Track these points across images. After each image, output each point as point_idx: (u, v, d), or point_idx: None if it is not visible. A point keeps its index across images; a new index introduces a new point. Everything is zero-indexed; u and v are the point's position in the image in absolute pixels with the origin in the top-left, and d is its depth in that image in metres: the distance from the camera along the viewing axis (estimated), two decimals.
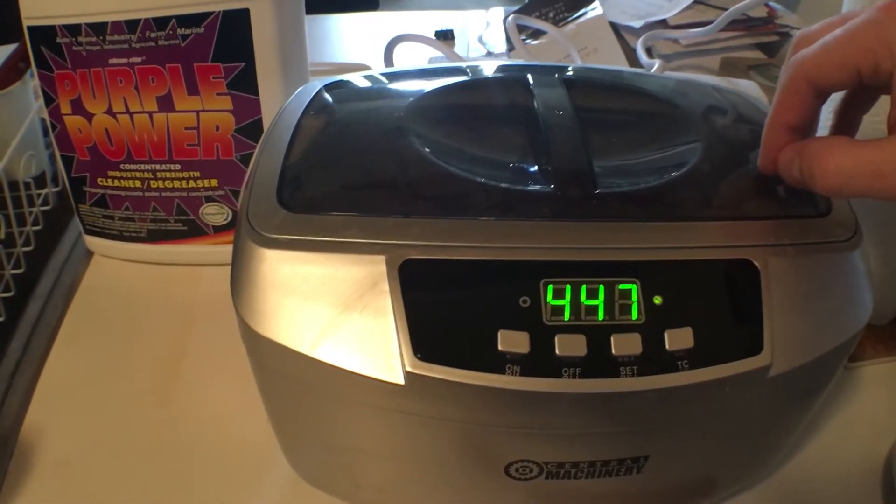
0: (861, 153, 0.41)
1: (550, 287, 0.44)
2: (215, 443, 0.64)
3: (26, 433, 0.65)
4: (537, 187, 0.49)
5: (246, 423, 0.64)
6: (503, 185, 0.49)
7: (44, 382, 0.70)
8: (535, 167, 0.51)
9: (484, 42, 1.24)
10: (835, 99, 0.50)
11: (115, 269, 0.83)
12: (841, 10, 0.64)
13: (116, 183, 0.77)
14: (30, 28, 0.71)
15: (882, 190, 0.40)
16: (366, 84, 0.64)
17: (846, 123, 0.50)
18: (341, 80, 0.63)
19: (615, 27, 1.22)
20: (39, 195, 0.88)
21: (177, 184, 0.76)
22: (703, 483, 0.57)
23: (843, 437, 0.66)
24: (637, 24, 1.20)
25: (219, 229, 0.79)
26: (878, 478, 0.62)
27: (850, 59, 0.41)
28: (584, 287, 0.44)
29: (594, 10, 1.21)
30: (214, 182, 0.76)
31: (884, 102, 0.44)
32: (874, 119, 0.51)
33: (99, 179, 0.77)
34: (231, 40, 0.69)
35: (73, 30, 0.69)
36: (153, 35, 0.68)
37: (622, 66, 1.14)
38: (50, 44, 0.71)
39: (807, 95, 0.44)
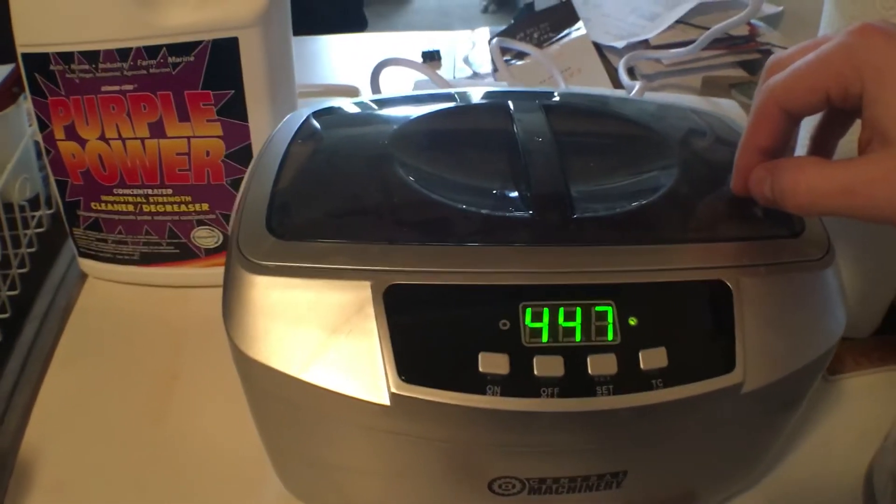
0: (831, 172, 0.41)
1: (529, 310, 0.45)
2: (208, 460, 0.65)
3: (25, 452, 0.66)
4: (517, 213, 0.51)
5: (238, 442, 0.64)
6: (483, 211, 0.50)
7: (41, 402, 0.71)
8: (515, 193, 0.53)
9: (470, 62, 1.25)
10: (809, 123, 0.51)
11: (108, 291, 0.84)
12: (820, 28, 0.65)
13: (109, 207, 0.78)
14: (24, 55, 0.71)
15: (851, 208, 0.41)
16: (352, 111, 0.65)
17: (822, 148, 0.51)
18: (328, 108, 0.64)
19: (598, 47, 1.23)
20: (34, 217, 0.89)
21: (168, 208, 0.77)
22: (684, 496, 0.58)
23: (825, 449, 0.67)
24: (620, 44, 1.22)
25: (210, 252, 0.81)
26: (860, 489, 0.63)
27: (819, 83, 0.42)
28: (561, 309, 0.45)
29: (578, 31, 1.23)
30: (205, 206, 0.77)
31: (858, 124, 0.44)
32: (850, 139, 0.52)
33: (92, 203, 0.78)
34: (220, 68, 0.70)
35: (67, 57, 0.70)
36: (145, 63, 0.69)
37: (605, 86, 1.16)
38: (44, 71, 0.71)
39: (778, 119, 0.45)
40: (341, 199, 0.53)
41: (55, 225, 0.90)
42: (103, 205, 0.78)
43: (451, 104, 0.64)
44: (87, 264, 0.84)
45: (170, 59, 0.69)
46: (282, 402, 0.50)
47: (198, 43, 0.69)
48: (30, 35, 0.70)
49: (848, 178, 0.41)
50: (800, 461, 0.66)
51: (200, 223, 0.78)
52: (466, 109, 0.65)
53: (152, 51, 0.69)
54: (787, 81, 0.43)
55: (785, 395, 0.52)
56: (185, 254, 0.81)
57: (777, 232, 0.52)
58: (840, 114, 0.48)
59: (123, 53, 0.69)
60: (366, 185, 0.54)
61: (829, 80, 0.42)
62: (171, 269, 0.82)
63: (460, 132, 0.63)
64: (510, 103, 0.62)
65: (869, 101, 0.41)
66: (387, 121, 0.62)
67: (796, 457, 0.66)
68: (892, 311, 0.74)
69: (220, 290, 0.51)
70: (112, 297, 0.83)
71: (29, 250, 0.85)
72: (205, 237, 0.79)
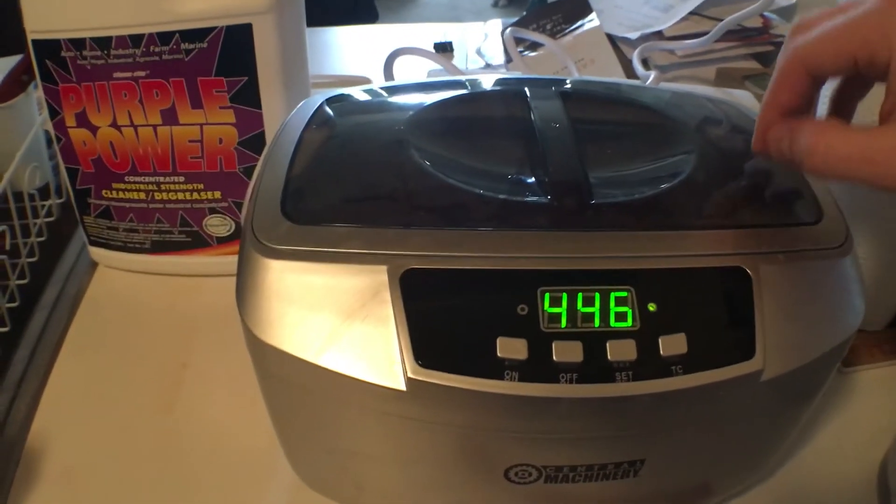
0: (852, 138, 0.41)
1: (547, 295, 0.45)
2: (219, 449, 0.65)
3: (32, 441, 0.66)
4: (534, 198, 0.50)
5: (249, 430, 0.65)
6: (501, 196, 0.50)
7: (49, 391, 0.71)
8: (533, 178, 0.52)
9: (482, 54, 1.25)
10: (830, 82, 0.49)
11: (119, 280, 0.84)
12: None
13: (121, 195, 0.78)
14: (34, 41, 0.71)
15: (869, 176, 0.40)
16: (366, 98, 0.65)
17: (842, 108, 0.50)
18: (342, 94, 0.64)
19: (612, 39, 1.23)
20: (43, 206, 0.88)
21: (180, 196, 0.77)
22: (700, 486, 0.58)
23: (839, 441, 0.67)
24: (633, 35, 1.21)
25: (222, 240, 0.80)
26: (874, 482, 0.63)
27: (847, 48, 0.41)
28: (580, 295, 0.45)
29: (591, 22, 1.22)
30: (218, 194, 0.77)
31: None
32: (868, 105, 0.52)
33: (103, 191, 0.78)
34: (234, 55, 0.70)
35: (78, 44, 0.70)
36: (157, 49, 0.69)
37: (619, 77, 1.15)
38: (55, 57, 0.71)
39: (802, 79, 0.44)
40: (357, 183, 0.53)
41: (65, 214, 0.90)
42: (114, 192, 0.78)
43: (467, 90, 0.64)
44: (97, 253, 0.84)
45: (183, 46, 0.69)
46: (296, 388, 0.50)
47: (211, 29, 0.68)
48: (40, 21, 0.70)
49: (868, 146, 0.40)
50: (813, 454, 0.66)
51: (213, 211, 0.78)
52: (483, 96, 0.64)
53: (165, 37, 0.69)
54: (814, 43, 0.43)
55: (803, 384, 0.52)
56: (197, 242, 0.80)
57: (795, 219, 0.52)
58: (862, 77, 0.48)
59: (136, 39, 0.69)
60: (381, 170, 0.54)
61: (856, 46, 0.41)
62: (183, 257, 0.82)
63: (477, 118, 0.62)
64: (527, 90, 0.61)
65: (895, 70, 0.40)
66: (402, 107, 0.62)
67: (810, 450, 0.66)
68: None
69: (232, 279, 0.51)
70: (122, 285, 0.83)
71: (38, 239, 0.85)
72: (217, 225, 0.79)
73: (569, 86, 0.66)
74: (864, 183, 0.41)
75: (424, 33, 1.33)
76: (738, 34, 1.19)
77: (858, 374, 0.73)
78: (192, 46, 0.69)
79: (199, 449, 0.65)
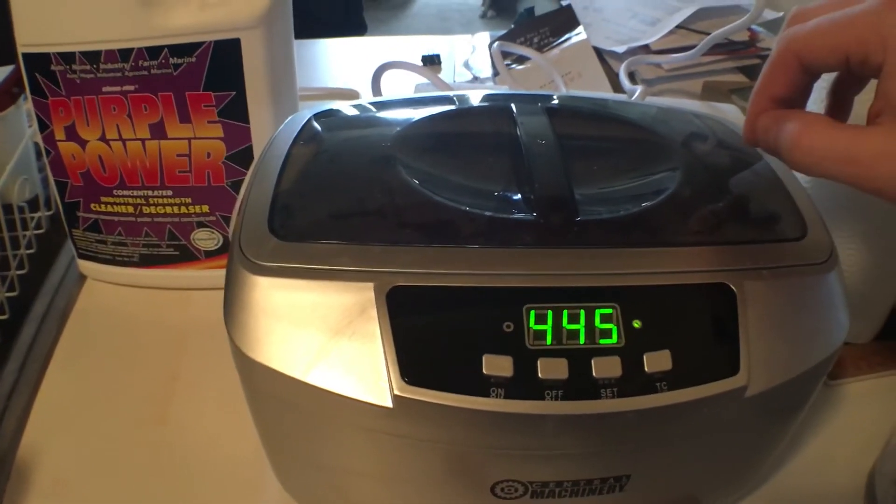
0: (838, 136, 0.41)
1: (533, 312, 0.45)
2: (208, 462, 0.65)
3: (23, 454, 0.66)
4: (520, 215, 0.51)
5: (238, 443, 0.64)
6: (487, 213, 0.50)
7: (40, 404, 0.70)
8: (519, 195, 0.53)
9: (470, 67, 1.25)
10: (829, 77, 0.49)
11: (108, 293, 0.84)
12: None
13: (109, 208, 0.78)
14: (25, 55, 0.71)
15: (851, 176, 0.40)
16: (354, 113, 0.65)
17: (839, 104, 0.49)
18: (330, 110, 0.64)
19: (599, 52, 1.23)
20: (33, 219, 0.88)
21: (168, 209, 0.77)
22: (686, 500, 0.58)
23: (826, 454, 0.67)
24: (620, 49, 1.22)
25: (210, 254, 0.80)
26: (862, 493, 0.63)
27: (841, 44, 0.41)
28: (565, 312, 0.45)
29: (578, 36, 1.23)
30: (206, 208, 0.77)
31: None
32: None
33: (92, 205, 0.78)
34: (222, 69, 0.70)
35: (68, 58, 0.70)
36: (146, 64, 0.69)
37: (606, 90, 1.16)
38: (44, 71, 0.71)
39: (794, 71, 0.44)
40: (344, 200, 0.53)
41: (54, 226, 0.90)
42: (103, 206, 0.78)
43: (454, 106, 0.64)
44: (86, 266, 0.84)
45: (171, 60, 0.69)
46: (283, 404, 0.50)
47: (199, 44, 0.69)
48: (30, 35, 0.70)
49: (854, 147, 0.40)
50: (801, 467, 0.66)
51: (200, 225, 0.78)
52: (469, 112, 0.65)
53: (154, 51, 0.69)
54: (809, 35, 0.42)
55: (788, 399, 0.52)
56: (185, 256, 0.80)
57: (780, 235, 0.52)
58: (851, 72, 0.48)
59: (125, 54, 0.69)
60: (369, 187, 0.54)
61: (850, 43, 0.41)
62: (171, 271, 0.82)
63: (463, 134, 0.63)
64: (513, 106, 0.62)
65: (888, 73, 0.40)
66: (390, 123, 0.62)
67: (797, 462, 0.66)
68: (892, 316, 0.74)
69: (220, 292, 0.51)
70: (111, 298, 0.83)
71: (28, 251, 0.85)
72: (205, 239, 0.79)
73: (555, 101, 0.66)
74: (846, 182, 0.40)
75: (412, 46, 1.33)
76: (725, 48, 1.19)
77: (844, 387, 0.73)
78: (180, 61, 0.69)
79: (189, 461, 0.65)
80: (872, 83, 0.42)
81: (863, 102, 0.46)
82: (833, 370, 0.72)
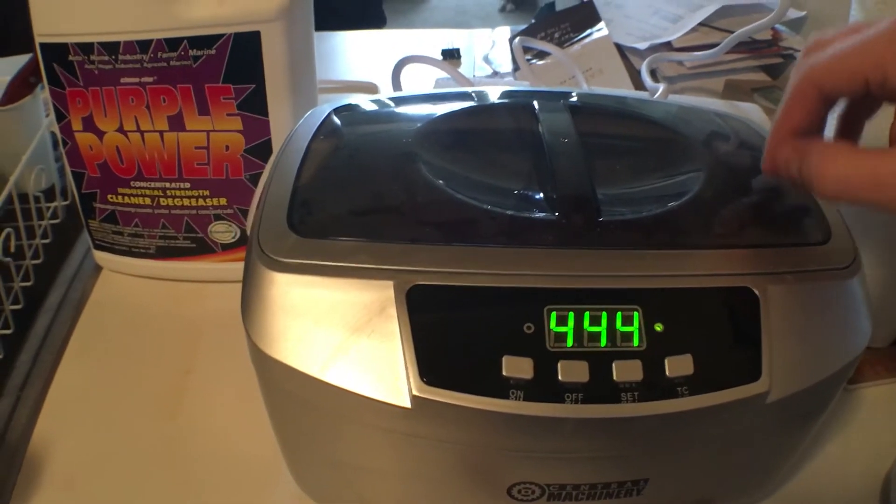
0: (862, 162, 0.40)
1: (554, 314, 0.45)
2: (222, 457, 0.65)
3: (35, 445, 0.66)
4: (542, 215, 0.50)
5: (252, 439, 0.64)
6: (509, 212, 0.50)
7: (52, 395, 0.70)
8: (541, 194, 0.52)
9: (490, 61, 1.25)
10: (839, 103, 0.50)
11: (123, 284, 0.84)
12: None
13: (126, 200, 0.78)
14: (42, 45, 0.71)
15: (878, 200, 0.40)
16: (374, 108, 0.64)
17: (850, 127, 0.49)
18: (350, 104, 0.64)
19: (620, 49, 1.22)
20: (49, 208, 0.88)
21: (186, 202, 0.77)
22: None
23: (842, 458, 0.66)
24: (642, 45, 1.21)
25: (227, 247, 0.80)
26: (877, 498, 0.63)
27: (859, 69, 0.41)
28: (587, 314, 0.45)
29: (600, 32, 1.22)
30: (223, 200, 0.77)
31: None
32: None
33: (109, 196, 0.78)
34: (242, 62, 0.69)
35: (86, 48, 0.70)
36: (165, 56, 0.69)
37: (627, 87, 1.15)
38: (62, 61, 0.71)
39: (814, 100, 0.43)
40: (364, 197, 0.53)
41: (70, 216, 0.89)
42: (120, 197, 0.78)
43: (475, 103, 0.64)
44: (102, 257, 0.84)
45: (191, 52, 0.69)
46: (300, 402, 0.50)
47: (219, 36, 0.68)
48: (49, 25, 0.70)
49: (878, 171, 0.40)
50: (817, 471, 0.66)
51: (218, 218, 0.78)
52: (491, 108, 0.64)
53: (173, 43, 0.69)
54: (827, 63, 0.42)
55: (809, 404, 0.51)
56: (202, 248, 0.80)
57: (804, 239, 0.51)
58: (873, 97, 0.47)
59: (144, 45, 0.69)
60: (389, 184, 0.54)
61: (869, 67, 0.40)
62: (187, 263, 0.82)
63: (485, 131, 0.62)
64: (535, 103, 0.61)
65: None
66: (410, 119, 0.62)
67: (814, 467, 0.66)
68: None
69: (237, 285, 0.51)
70: (127, 290, 0.83)
71: (43, 241, 0.85)
72: (222, 232, 0.79)
73: (577, 99, 0.66)
74: (873, 207, 0.40)
75: (432, 39, 1.33)
76: (748, 46, 1.19)
77: (862, 392, 0.72)
78: (200, 53, 0.69)
79: (202, 456, 0.65)
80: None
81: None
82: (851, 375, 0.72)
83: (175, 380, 0.72)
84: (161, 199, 0.77)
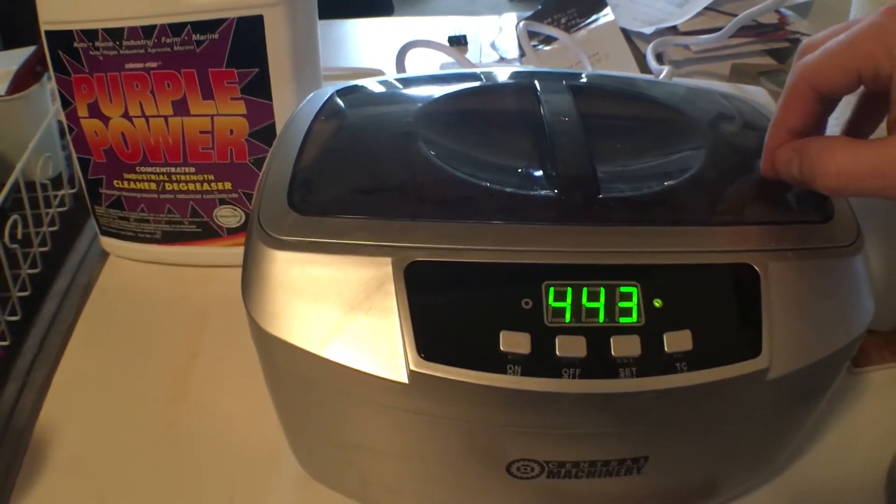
0: (861, 153, 0.41)
1: (552, 289, 0.44)
2: (226, 440, 0.65)
3: (40, 429, 0.66)
4: (541, 192, 0.50)
5: (256, 422, 0.65)
6: (508, 189, 0.50)
7: (59, 380, 0.71)
8: (540, 172, 0.52)
9: (496, 47, 1.25)
10: (844, 113, 0.50)
11: (130, 270, 0.84)
12: (849, 17, 0.65)
13: (132, 185, 0.78)
14: (47, 32, 0.71)
15: (882, 189, 0.40)
16: (376, 89, 0.64)
17: (865, 116, 0.50)
18: (352, 86, 0.64)
19: (626, 33, 1.22)
20: (56, 196, 0.89)
21: (191, 186, 0.77)
22: (705, 484, 0.57)
23: (848, 442, 0.66)
24: (648, 30, 1.21)
25: (232, 231, 0.80)
26: (883, 482, 0.62)
27: (850, 62, 0.41)
28: (585, 289, 0.45)
29: (606, 17, 1.22)
30: (228, 185, 0.77)
31: None
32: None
33: (115, 181, 0.78)
34: (245, 46, 0.70)
35: (90, 35, 0.70)
36: (169, 41, 0.69)
37: (633, 71, 1.15)
38: (67, 48, 0.71)
39: (809, 99, 0.44)
40: (363, 175, 0.53)
41: (77, 204, 0.90)
42: (126, 183, 0.78)
43: (476, 83, 0.64)
44: (108, 242, 0.84)
45: (194, 37, 0.69)
46: (299, 380, 0.50)
47: (222, 20, 0.68)
48: (53, 12, 0.71)
49: (877, 160, 0.40)
50: (822, 455, 0.65)
51: (223, 202, 0.78)
52: (492, 88, 0.64)
53: (176, 28, 0.69)
54: (819, 61, 0.43)
55: (810, 383, 0.51)
56: (208, 233, 0.81)
57: (806, 217, 0.51)
58: (874, 102, 0.48)
59: (148, 31, 0.69)
60: (388, 162, 0.54)
61: (859, 60, 0.41)
62: (193, 248, 0.82)
63: (485, 111, 0.62)
64: (537, 83, 0.61)
65: None
66: (411, 99, 0.62)
67: (819, 450, 0.66)
68: None
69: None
70: (133, 275, 0.83)
71: (50, 229, 0.85)
72: (227, 216, 0.79)
73: (579, 80, 0.65)
74: (876, 196, 0.41)
75: (439, 26, 1.33)
76: (754, 30, 1.18)
77: (869, 375, 0.72)
78: (203, 38, 0.69)
79: (207, 439, 0.66)
80: None
81: None
82: (857, 358, 0.72)
83: (181, 363, 0.72)
84: (166, 184, 0.77)
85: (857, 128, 0.50)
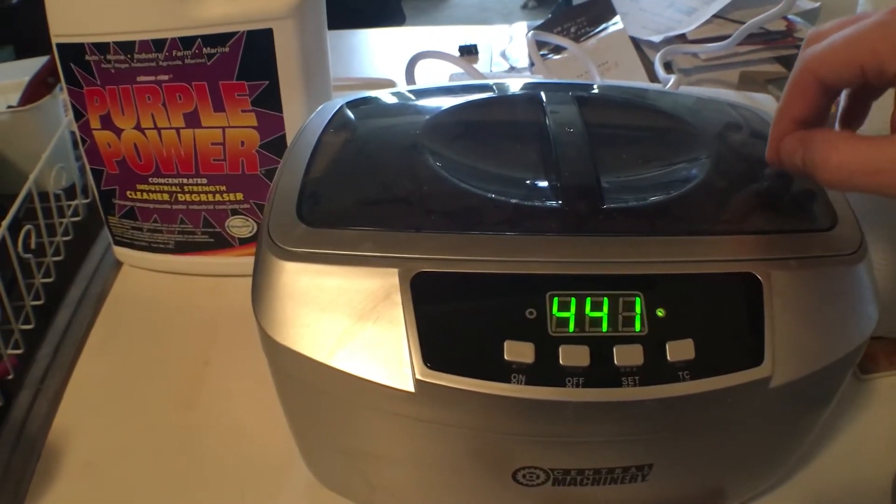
0: (863, 149, 0.41)
1: (556, 299, 0.45)
2: (237, 447, 0.66)
3: (54, 436, 0.67)
4: (546, 203, 0.51)
5: (267, 429, 0.65)
6: (513, 200, 0.51)
7: (72, 387, 0.72)
8: (545, 183, 0.53)
9: (507, 57, 1.25)
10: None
11: (143, 279, 0.85)
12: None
13: (145, 196, 0.79)
14: (59, 45, 0.72)
15: (882, 186, 0.40)
16: (385, 101, 0.65)
17: (851, 116, 0.50)
18: (361, 98, 0.65)
19: (635, 42, 1.22)
20: (69, 206, 0.89)
21: (203, 197, 0.78)
22: (709, 492, 0.57)
23: (855, 449, 0.66)
24: (657, 38, 1.21)
25: (244, 241, 0.81)
26: (889, 489, 0.62)
27: (855, 57, 0.41)
28: (588, 299, 0.45)
29: (615, 25, 1.22)
30: (240, 196, 0.78)
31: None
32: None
33: (128, 192, 0.79)
34: (255, 59, 0.70)
35: (102, 48, 0.71)
36: (180, 54, 0.70)
37: (642, 80, 1.15)
38: (79, 61, 0.72)
39: (813, 90, 0.44)
40: (371, 187, 0.54)
41: (91, 214, 0.91)
42: (139, 194, 0.79)
43: (483, 95, 0.64)
44: (122, 252, 0.85)
45: (205, 50, 0.70)
46: (308, 388, 0.50)
47: (233, 34, 0.69)
48: (64, 25, 0.71)
49: (880, 157, 0.41)
50: (829, 461, 0.65)
51: (235, 213, 0.79)
52: (498, 100, 0.65)
53: (187, 41, 0.70)
54: (824, 53, 0.43)
55: (814, 391, 0.52)
56: (220, 243, 0.81)
57: (809, 225, 0.51)
58: (864, 93, 0.48)
59: (159, 44, 0.70)
60: (395, 174, 0.55)
61: (864, 56, 0.41)
62: (206, 258, 0.83)
63: (491, 122, 0.63)
64: (543, 94, 0.62)
65: None
66: (418, 111, 0.63)
67: (826, 457, 0.66)
68: None
69: None
70: (146, 285, 0.84)
71: (64, 238, 0.86)
72: (239, 227, 0.80)
73: (585, 90, 0.66)
74: (877, 193, 0.41)
75: (450, 36, 1.33)
76: (762, 37, 1.18)
77: (877, 382, 0.72)
78: (213, 51, 0.70)
79: (219, 446, 0.66)
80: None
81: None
82: (866, 364, 0.71)
83: (193, 371, 0.73)
84: (179, 195, 0.78)
85: (852, 110, 0.50)
